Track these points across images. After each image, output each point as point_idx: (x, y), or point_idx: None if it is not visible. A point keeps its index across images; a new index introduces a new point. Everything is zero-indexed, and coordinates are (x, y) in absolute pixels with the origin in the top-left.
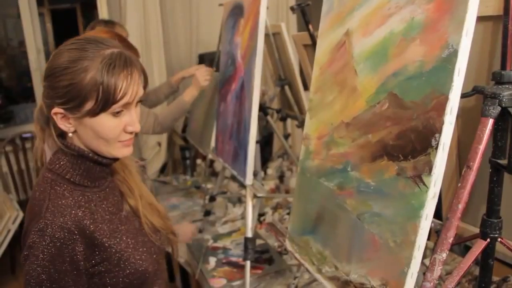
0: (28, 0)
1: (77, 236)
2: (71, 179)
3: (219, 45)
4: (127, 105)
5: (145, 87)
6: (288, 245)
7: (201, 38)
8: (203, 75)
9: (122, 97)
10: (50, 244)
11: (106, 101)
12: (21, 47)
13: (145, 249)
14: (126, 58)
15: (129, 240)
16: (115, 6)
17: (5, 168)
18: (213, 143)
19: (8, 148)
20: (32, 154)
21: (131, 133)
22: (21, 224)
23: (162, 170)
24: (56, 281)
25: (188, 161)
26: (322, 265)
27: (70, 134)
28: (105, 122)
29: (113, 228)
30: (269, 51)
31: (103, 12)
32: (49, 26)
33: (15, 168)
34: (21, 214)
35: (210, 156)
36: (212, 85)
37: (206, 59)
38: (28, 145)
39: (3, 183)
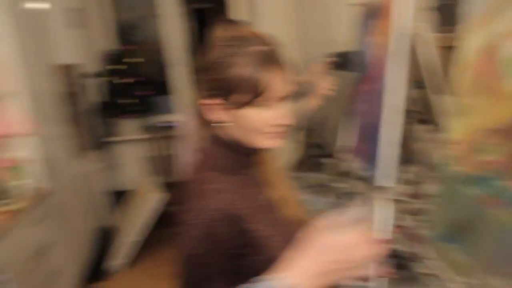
0: None
1: (229, 219)
2: (224, 166)
3: (355, 45)
4: (276, 99)
5: (291, 84)
6: (423, 252)
7: (334, 37)
8: (328, 84)
9: (272, 91)
10: (205, 223)
11: (257, 94)
12: (163, 43)
13: (282, 238)
14: (276, 55)
15: (269, 228)
16: (250, 4)
17: (150, 153)
18: (347, 142)
19: (152, 135)
20: (175, 142)
21: (279, 125)
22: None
23: (294, 166)
24: (206, 258)
25: (319, 159)
26: (461, 275)
27: (223, 124)
28: (256, 114)
29: (256, 215)
30: None
31: (239, 10)
32: (189, 24)
33: (158, 153)
34: (163, 196)
35: (342, 155)
36: (348, 85)
37: (338, 58)
38: (169, 133)
39: (148, 167)
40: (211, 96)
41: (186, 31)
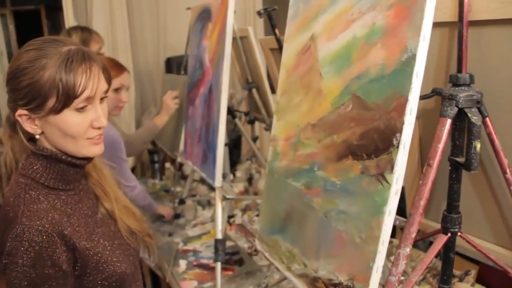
0: None
1: (56, 239)
2: (45, 183)
3: (187, 49)
4: (89, 100)
5: (109, 83)
6: (258, 245)
7: (168, 42)
8: (171, 100)
9: (82, 92)
10: (29, 249)
11: (67, 96)
12: None
13: (121, 251)
14: (84, 53)
15: (106, 242)
16: (81, 8)
17: None
18: (181, 147)
19: None
20: None
21: (98, 128)
22: None
23: (136, 172)
24: (40, 286)
25: (156, 165)
26: (291, 263)
27: (38, 136)
28: (69, 118)
29: (90, 230)
30: (237, 54)
31: (68, 15)
32: (11, 27)
33: None
34: None
35: (179, 160)
36: (182, 90)
37: (173, 62)
38: None
39: None
40: (22, 106)
41: (9, 35)
